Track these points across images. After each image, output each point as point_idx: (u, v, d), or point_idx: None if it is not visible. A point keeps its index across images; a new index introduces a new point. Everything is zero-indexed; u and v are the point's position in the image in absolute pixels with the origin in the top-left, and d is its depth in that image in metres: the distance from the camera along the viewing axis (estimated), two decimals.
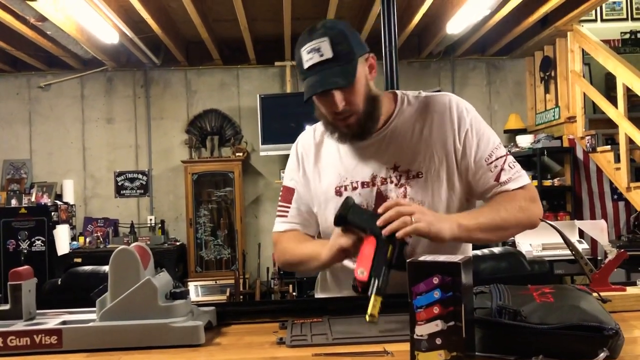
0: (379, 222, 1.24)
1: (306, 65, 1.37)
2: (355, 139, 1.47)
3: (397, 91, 1.58)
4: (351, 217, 1.29)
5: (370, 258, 1.23)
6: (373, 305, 1.16)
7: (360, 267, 1.22)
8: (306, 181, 1.60)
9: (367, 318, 1.15)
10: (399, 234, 1.22)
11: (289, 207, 1.61)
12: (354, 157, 1.52)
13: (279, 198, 1.66)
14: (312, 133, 1.62)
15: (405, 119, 1.51)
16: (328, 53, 1.35)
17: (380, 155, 1.50)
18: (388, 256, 1.23)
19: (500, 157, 1.48)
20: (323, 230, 1.60)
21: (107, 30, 5.09)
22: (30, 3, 4.18)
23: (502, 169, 1.47)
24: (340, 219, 1.30)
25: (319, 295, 1.70)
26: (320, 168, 1.57)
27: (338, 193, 1.52)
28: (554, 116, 6.30)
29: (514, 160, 1.51)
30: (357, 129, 1.44)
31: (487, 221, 1.41)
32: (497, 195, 1.47)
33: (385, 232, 1.23)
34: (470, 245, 1.63)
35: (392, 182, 1.48)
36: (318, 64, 1.35)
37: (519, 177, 1.48)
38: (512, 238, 5.05)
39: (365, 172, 1.50)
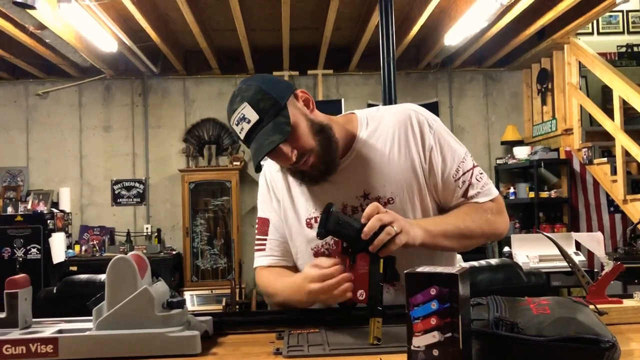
0: (363, 236, 1.22)
1: (242, 137, 1.35)
2: (325, 176, 1.41)
3: (356, 112, 1.53)
4: (335, 231, 1.25)
5: (366, 278, 1.22)
6: (377, 327, 1.16)
7: (359, 289, 1.22)
8: (280, 209, 1.55)
9: (373, 341, 1.15)
10: (385, 252, 1.22)
11: (266, 239, 1.56)
12: (322, 187, 1.45)
13: (256, 231, 1.60)
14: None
15: (367, 142, 1.46)
16: (253, 116, 1.31)
17: (349, 183, 1.45)
18: (380, 271, 1.22)
19: (467, 171, 1.46)
20: (296, 258, 1.56)
21: (106, 39, 5.11)
22: (29, 11, 4.19)
23: (469, 184, 1.45)
24: (326, 234, 1.26)
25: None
26: (291, 197, 1.52)
27: (309, 225, 1.49)
28: (550, 128, 6.33)
29: (481, 172, 1.48)
30: (322, 167, 1.39)
31: (452, 229, 1.39)
32: (463, 205, 1.46)
33: (372, 248, 1.22)
34: (454, 256, 1.62)
35: (363, 210, 1.38)
36: (250, 131, 1.32)
37: (486, 191, 1.46)
38: (509, 249, 5.05)
39: (335, 202, 1.40)
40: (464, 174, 1.45)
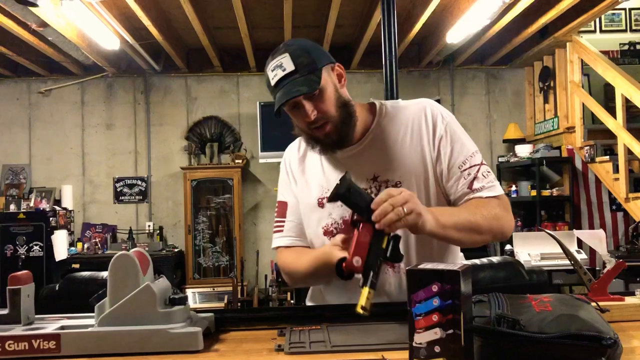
0: (374, 218, 1.22)
1: (272, 83, 1.42)
2: (335, 148, 1.49)
3: (375, 101, 1.60)
4: (345, 196, 1.26)
5: (366, 247, 1.22)
6: (367, 297, 1.15)
7: (355, 256, 1.21)
8: (296, 192, 1.62)
9: (359, 310, 1.14)
10: (390, 229, 1.22)
11: (284, 221, 1.63)
12: (335, 168, 1.54)
13: (275, 214, 1.67)
14: (297, 147, 1.66)
15: (383, 129, 1.54)
16: (290, 67, 1.40)
17: (361, 165, 1.51)
18: (383, 247, 1.22)
19: (475, 165, 1.49)
20: (309, 240, 1.61)
21: (108, 37, 5.11)
22: (32, 9, 4.19)
23: (475, 177, 1.47)
24: (336, 198, 1.28)
25: (309, 302, 1.70)
26: (305, 179, 1.60)
27: (320, 205, 1.55)
28: (552, 126, 6.32)
29: (489, 170, 1.51)
30: (335, 137, 1.46)
31: (462, 221, 1.40)
32: (471, 200, 1.47)
33: (379, 226, 1.21)
34: (458, 253, 1.63)
35: (372, 192, 1.49)
36: (282, 79, 1.40)
37: (492, 187, 1.48)
38: (511, 247, 5.05)
39: None
40: (470, 167, 1.48)
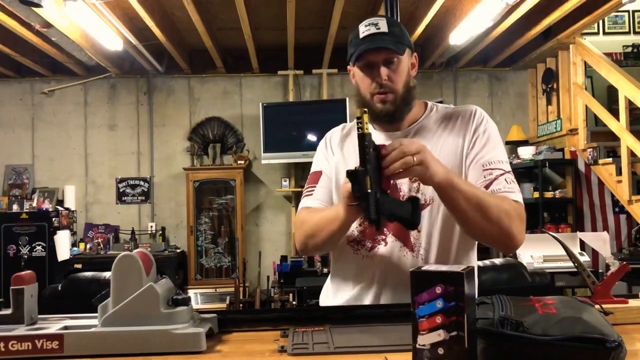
0: (384, 164, 1.26)
1: (362, 35, 1.50)
2: (386, 119, 1.56)
3: (428, 102, 1.70)
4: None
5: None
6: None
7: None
8: (333, 163, 1.67)
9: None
10: (397, 177, 1.28)
11: (314, 187, 1.67)
12: None
13: (305, 185, 1.71)
14: (341, 127, 1.75)
15: (430, 122, 1.62)
16: (384, 28, 1.50)
17: None
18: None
19: (498, 169, 1.50)
20: None
21: (111, 37, 5.12)
22: (36, 9, 4.20)
23: (495, 179, 1.48)
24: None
25: (327, 299, 1.71)
26: (343, 154, 1.66)
27: None
28: (555, 128, 6.31)
29: (514, 180, 1.50)
30: (390, 108, 1.53)
31: (474, 194, 1.38)
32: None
33: (387, 172, 1.27)
34: (475, 256, 1.63)
35: None
36: (372, 35, 1.49)
37: (511, 193, 1.46)
38: None
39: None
40: (493, 169, 1.51)
